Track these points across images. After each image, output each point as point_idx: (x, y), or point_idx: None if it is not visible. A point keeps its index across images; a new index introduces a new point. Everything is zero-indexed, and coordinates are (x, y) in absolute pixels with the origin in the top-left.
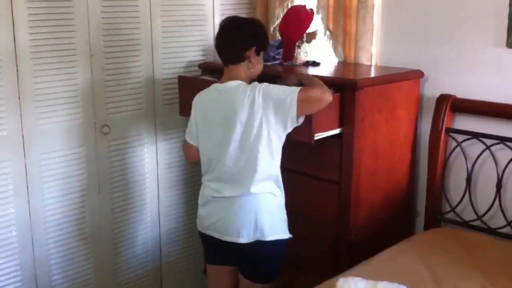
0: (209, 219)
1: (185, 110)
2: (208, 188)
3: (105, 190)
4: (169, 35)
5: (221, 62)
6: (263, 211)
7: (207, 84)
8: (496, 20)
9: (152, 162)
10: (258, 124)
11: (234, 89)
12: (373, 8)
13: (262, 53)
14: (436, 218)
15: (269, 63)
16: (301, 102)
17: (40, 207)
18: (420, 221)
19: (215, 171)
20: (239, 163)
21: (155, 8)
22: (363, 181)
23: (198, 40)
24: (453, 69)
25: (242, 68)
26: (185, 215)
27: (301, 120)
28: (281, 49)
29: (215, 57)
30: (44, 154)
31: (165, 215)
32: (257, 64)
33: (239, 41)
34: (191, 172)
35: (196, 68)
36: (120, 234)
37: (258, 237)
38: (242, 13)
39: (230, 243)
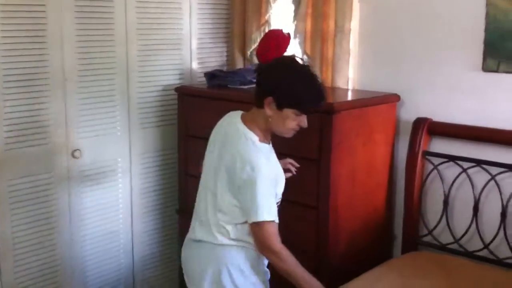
0: (184, 263)
1: None
2: (190, 227)
3: (76, 216)
4: (145, 59)
5: (199, 87)
6: (230, 267)
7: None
8: (472, 44)
9: (126, 188)
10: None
11: (238, 138)
12: (350, 32)
13: (289, 111)
14: (413, 241)
15: (246, 87)
16: (252, 228)
17: (8, 234)
18: (398, 245)
19: (198, 206)
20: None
21: (131, 31)
22: (341, 206)
23: (175, 63)
24: (429, 92)
25: (260, 114)
26: (160, 242)
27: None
28: None
29: (192, 81)
30: (12, 179)
31: (139, 242)
32: (275, 120)
33: (259, 85)
34: (167, 197)
35: (173, 92)
36: (92, 262)
37: None
38: (219, 37)
39: None
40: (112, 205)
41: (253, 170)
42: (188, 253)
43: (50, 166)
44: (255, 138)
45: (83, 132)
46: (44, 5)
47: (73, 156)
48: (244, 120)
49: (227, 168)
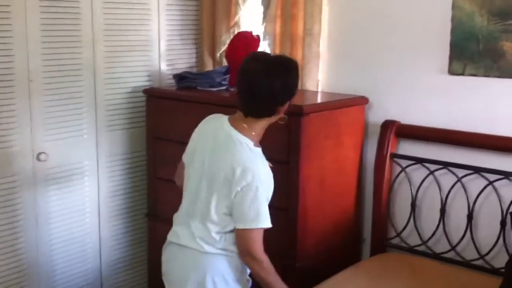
0: (164, 266)
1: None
2: (171, 230)
3: (42, 220)
4: (113, 60)
5: (168, 88)
6: (215, 276)
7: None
8: (439, 47)
9: (93, 190)
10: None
11: (232, 145)
12: (319, 35)
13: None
14: (382, 244)
15: (215, 89)
16: (241, 234)
17: None
18: (367, 247)
19: (182, 212)
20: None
21: (98, 32)
22: (310, 208)
23: (143, 65)
24: (397, 95)
25: (264, 121)
26: (128, 246)
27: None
28: (228, 75)
29: (160, 83)
30: None
31: (107, 246)
32: (282, 112)
33: (277, 96)
34: (135, 201)
35: (141, 93)
36: (59, 267)
37: None
38: (189, 38)
39: None
40: (79, 209)
41: (254, 176)
42: (170, 256)
43: (15, 169)
44: (250, 143)
45: (49, 134)
46: (8, 5)
47: (38, 159)
48: (235, 125)
49: (224, 176)
